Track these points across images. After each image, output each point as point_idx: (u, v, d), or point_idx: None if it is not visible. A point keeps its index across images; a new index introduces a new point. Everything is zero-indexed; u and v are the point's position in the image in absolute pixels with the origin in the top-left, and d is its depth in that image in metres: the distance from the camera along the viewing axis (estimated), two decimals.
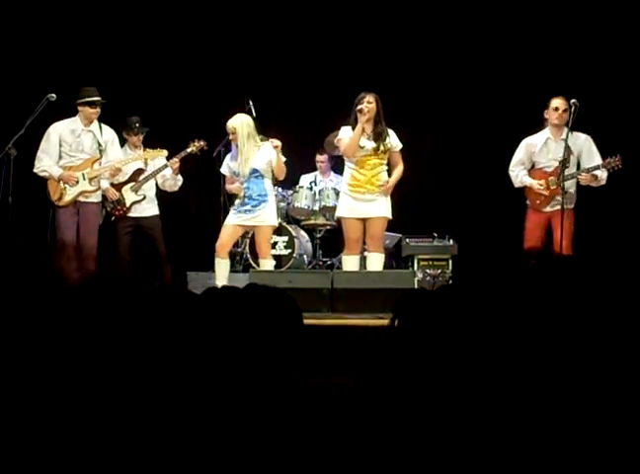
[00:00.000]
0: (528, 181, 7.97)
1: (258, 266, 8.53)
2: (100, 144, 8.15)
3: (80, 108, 8.09)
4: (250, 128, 7.86)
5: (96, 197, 8.18)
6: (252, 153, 7.83)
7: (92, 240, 7.94)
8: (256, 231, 8.11)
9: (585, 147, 7.86)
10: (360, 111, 7.58)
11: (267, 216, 7.91)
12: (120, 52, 9.77)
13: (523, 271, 1.71)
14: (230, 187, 8.03)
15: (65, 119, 8.14)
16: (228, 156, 8.05)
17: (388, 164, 7.81)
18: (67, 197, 8.03)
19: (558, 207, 7.79)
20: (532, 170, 8.02)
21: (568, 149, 7.76)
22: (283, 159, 8.01)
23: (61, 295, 0.69)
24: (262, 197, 7.89)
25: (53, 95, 7.89)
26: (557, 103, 7.80)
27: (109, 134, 8.24)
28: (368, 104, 7.61)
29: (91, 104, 8.04)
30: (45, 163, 8.04)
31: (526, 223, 7.99)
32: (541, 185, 7.89)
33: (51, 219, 8.00)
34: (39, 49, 9.55)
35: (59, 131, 8.08)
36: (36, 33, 9.57)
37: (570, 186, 7.84)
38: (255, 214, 7.85)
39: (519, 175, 8.01)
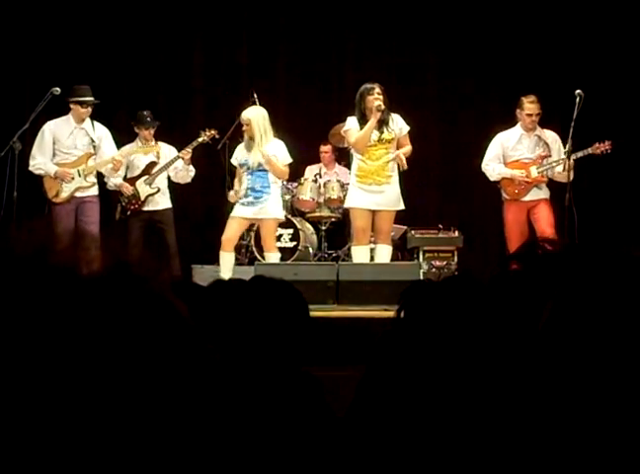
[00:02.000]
0: (508, 171, 8.04)
1: (261, 259, 8.56)
2: (93, 140, 8.17)
3: (72, 106, 8.10)
4: (265, 121, 7.85)
5: (93, 191, 8.20)
6: (264, 146, 7.82)
7: (93, 230, 7.94)
8: (260, 224, 8.11)
9: (554, 144, 8.02)
10: (378, 108, 7.48)
11: (270, 209, 7.91)
12: (126, 45, 9.77)
13: (529, 260, 1.71)
14: (230, 194, 8.04)
15: (58, 118, 8.16)
16: (239, 146, 8.04)
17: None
18: (64, 194, 8.06)
19: (540, 196, 7.94)
20: (508, 163, 8.09)
21: (546, 144, 7.94)
22: (288, 161, 8.00)
23: (72, 286, 0.69)
24: (265, 188, 7.89)
25: (58, 89, 7.89)
26: (530, 109, 7.88)
27: (101, 131, 8.26)
28: (379, 95, 7.55)
29: (82, 103, 8.05)
30: (40, 160, 8.07)
31: (506, 219, 8.06)
32: (522, 173, 7.97)
33: (49, 216, 7.99)
34: (43, 43, 9.54)
35: (52, 129, 8.11)
36: (41, 26, 9.56)
37: (549, 174, 8.03)
38: (258, 207, 7.86)
39: (495, 168, 8.09)
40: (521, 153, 8.04)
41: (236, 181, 8.06)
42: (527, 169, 7.98)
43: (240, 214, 7.90)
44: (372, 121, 7.51)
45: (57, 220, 7.96)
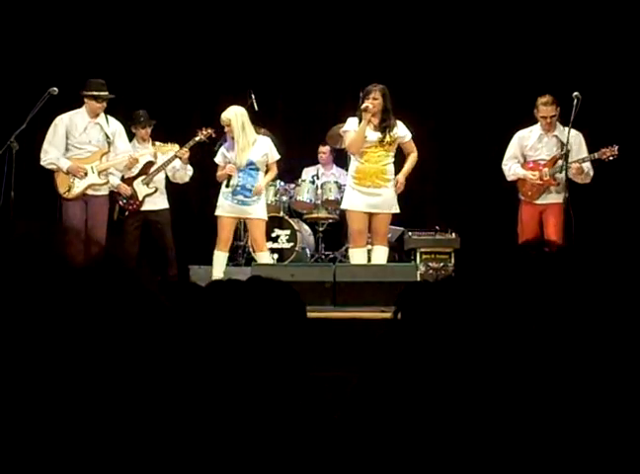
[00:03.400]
0: (522, 172, 8.04)
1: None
2: (107, 136, 8.03)
3: (86, 100, 7.97)
4: (244, 119, 7.89)
5: (104, 190, 8.08)
6: (248, 144, 7.86)
7: (100, 232, 7.83)
8: (250, 225, 8.12)
9: (575, 142, 7.92)
10: (365, 109, 7.52)
11: (259, 210, 7.97)
12: (123, 45, 9.77)
13: (524, 262, 1.71)
14: (221, 172, 8.04)
15: (71, 111, 8.02)
16: (223, 147, 8.09)
17: (398, 154, 7.78)
18: (75, 190, 7.90)
19: (551, 201, 7.92)
20: (525, 163, 8.10)
21: (563, 145, 7.86)
22: (277, 157, 8.06)
23: (66, 278, 0.69)
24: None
25: (55, 89, 7.84)
26: (544, 111, 7.83)
27: (115, 126, 8.13)
28: (374, 100, 7.56)
29: (97, 98, 7.92)
30: (52, 155, 7.91)
31: (521, 217, 8.07)
32: (535, 175, 7.95)
33: (59, 212, 7.92)
34: (41, 43, 9.53)
35: (65, 123, 7.95)
36: (38, 26, 9.55)
37: (561, 177, 7.91)
38: (248, 207, 7.90)
39: (511, 167, 8.09)
40: (540, 153, 7.99)
41: (220, 173, 8.05)
42: (541, 171, 7.95)
43: (230, 214, 7.93)
44: (363, 123, 7.53)
45: (67, 217, 7.81)
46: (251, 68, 9.94)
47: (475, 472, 1.25)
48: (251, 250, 8.85)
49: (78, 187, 7.92)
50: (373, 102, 7.55)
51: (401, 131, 7.71)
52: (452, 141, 9.97)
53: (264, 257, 8.03)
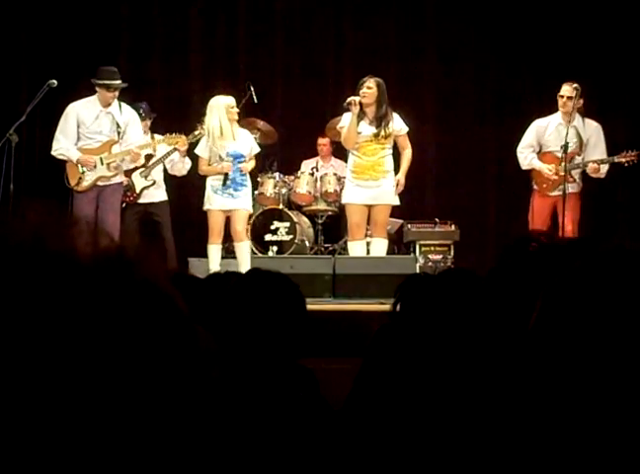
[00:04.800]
0: (538, 164, 7.98)
1: (257, 252, 8.57)
2: (119, 126, 7.84)
3: (97, 89, 7.78)
4: (230, 110, 7.84)
5: (116, 179, 7.89)
6: (231, 135, 7.82)
7: (112, 217, 7.69)
8: (236, 216, 8.01)
9: (594, 135, 7.91)
10: (350, 103, 7.51)
11: (247, 202, 8.00)
12: (123, 38, 9.76)
13: (524, 254, 1.72)
14: (213, 169, 7.98)
15: (83, 99, 7.85)
16: (204, 138, 8.01)
17: (394, 148, 7.79)
18: (85, 183, 7.75)
19: (566, 191, 7.88)
20: (542, 153, 8.04)
21: (579, 137, 7.84)
22: (257, 150, 8.09)
23: (75, 272, 0.69)
24: (244, 181, 7.95)
25: (54, 81, 7.78)
26: (562, 90, 7.84)
27: (129, 114, 7.94)
28: (368, 89, 7.55)
29: (108, 87, 7.71)
30: (63, 145, 7.75)
31: (532, 206, 8.02)
32: (550, 170, 7.91)
33: (70, 205, 7.77)
34: (40, 34, 9.52)
35: (77, 112, 7.77)
36: (37, 17, 9.54)
37: (576, 172, 7.91)
38: (236, 199, 7.91)
39: (527, 157, 8.01)
40: (556, 145, 7.93)
41: (224, 164, 8.01)
42: (557, 165, 7.90)
43: (220, 207, 7.90)
44: (352, 118, 7.53)
45: (78, 209, 7.62)
46: (250, 60, 9.93)
47: (474, 461, 1.26)
48: (251, 243, 8.84)
49: (87, 179, 7.77)
50: (367, 91, 7.54)
51: (397, 125, 7.69)
52: (452, 134, 9.96)
53: (246, 246, 7.99)
